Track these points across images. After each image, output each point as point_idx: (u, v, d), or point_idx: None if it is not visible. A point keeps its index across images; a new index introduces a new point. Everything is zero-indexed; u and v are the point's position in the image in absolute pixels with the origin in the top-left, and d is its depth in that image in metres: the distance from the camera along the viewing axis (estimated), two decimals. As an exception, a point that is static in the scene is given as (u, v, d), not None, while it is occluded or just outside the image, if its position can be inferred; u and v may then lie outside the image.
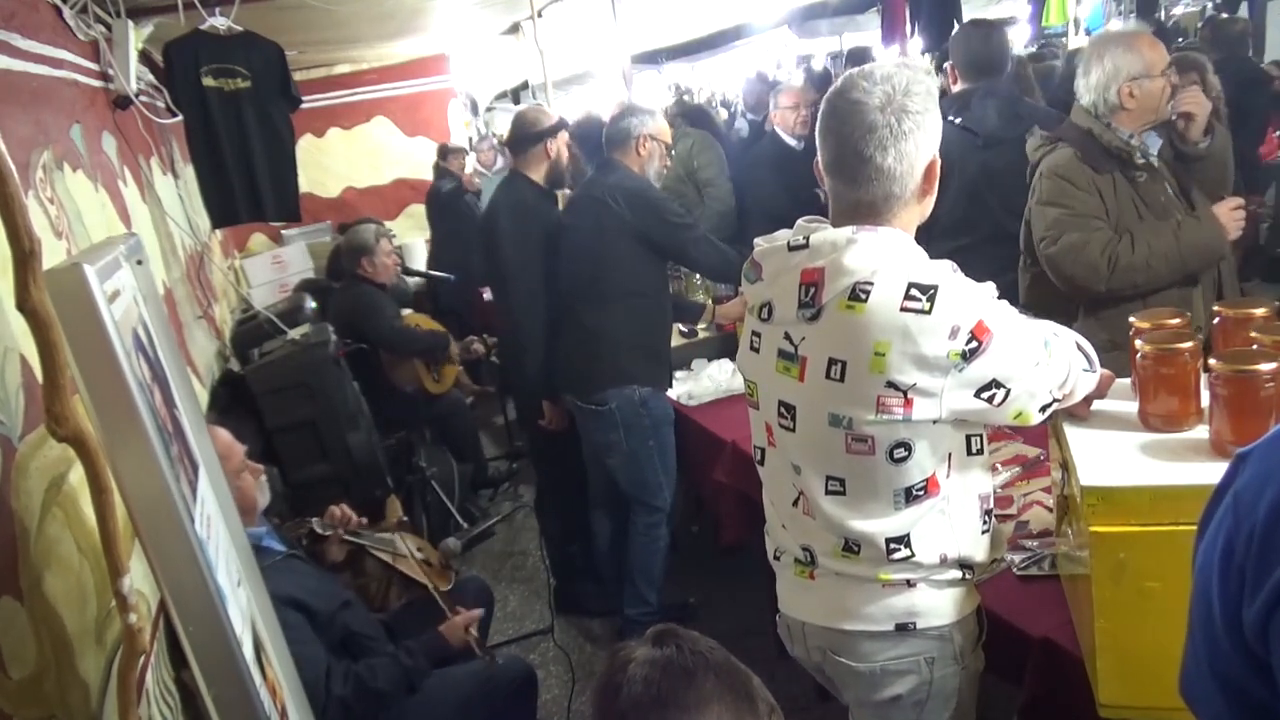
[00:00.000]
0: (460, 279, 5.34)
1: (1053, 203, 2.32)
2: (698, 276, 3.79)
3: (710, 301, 3.59)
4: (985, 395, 1.33)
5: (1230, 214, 2.29)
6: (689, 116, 5.49)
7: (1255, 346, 1.42)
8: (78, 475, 1.53)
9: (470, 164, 6.43)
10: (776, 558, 1.62)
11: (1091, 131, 2.33)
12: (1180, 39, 5.82)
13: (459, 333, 4.70)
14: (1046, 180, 2.35)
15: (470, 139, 7.23)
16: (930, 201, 1.42)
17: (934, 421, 1.34)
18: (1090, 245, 2.25)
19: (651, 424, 2.97)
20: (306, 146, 5.86)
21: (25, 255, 1.12)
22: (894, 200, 1.36)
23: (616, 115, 3.09)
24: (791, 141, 4.34)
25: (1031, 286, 2.48)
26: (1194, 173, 2.40)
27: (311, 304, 4.48)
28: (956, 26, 4.66)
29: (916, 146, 1.33)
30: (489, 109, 9.78)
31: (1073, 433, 1.51)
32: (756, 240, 1.50)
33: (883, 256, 1.33)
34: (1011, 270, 2.51)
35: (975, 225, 2.68)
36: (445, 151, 6.04)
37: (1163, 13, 8.41)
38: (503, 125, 9.62)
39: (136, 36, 2.97)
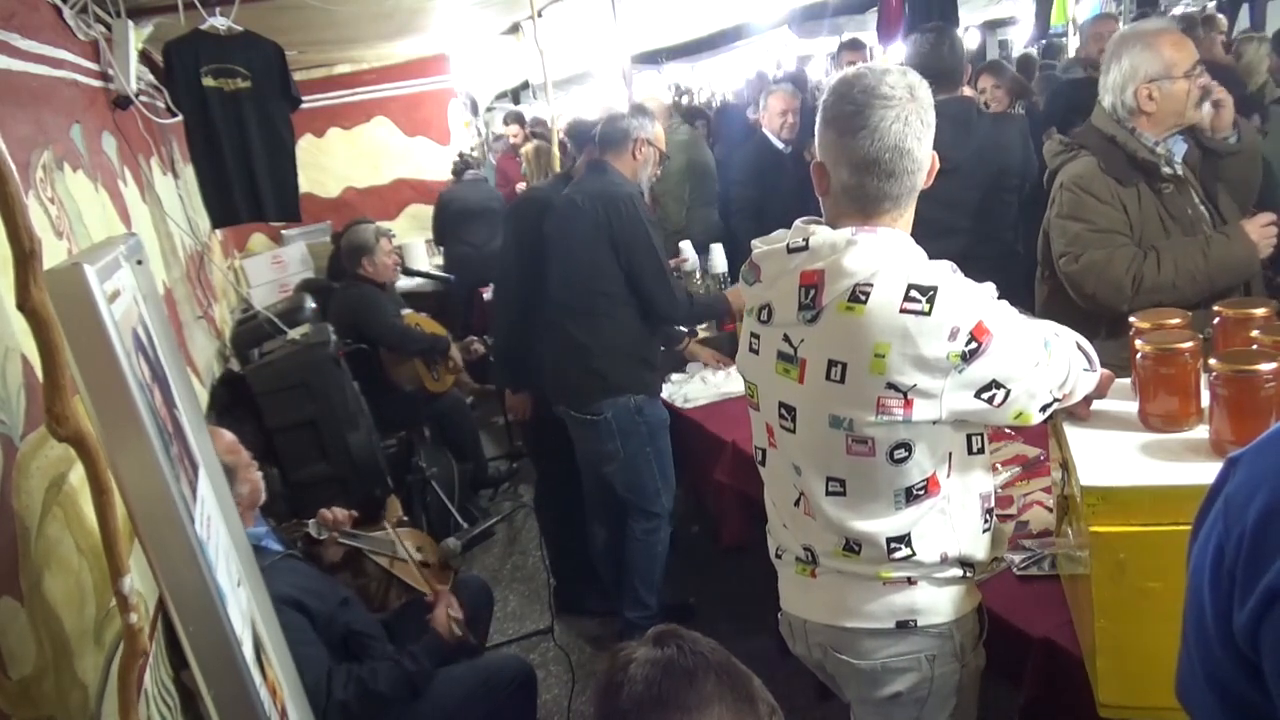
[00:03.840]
0: (459, 279, 5.36)
1: (1074, 217, 2.21)
2: (696, 276, 3.80)
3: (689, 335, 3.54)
4: (985, 396, 1.33)
5: (1261, 230, 2.17)
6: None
7: (1255, 346, 1.42)
8: (78, 475, 1.53)
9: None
10: (778, 556, 1.62)
11: (1115, 139, 2.20)
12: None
13: (460, 334, 4.71)
14: (1067, 192, 2.22)
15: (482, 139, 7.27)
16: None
17: (934, 422, 1.34)
18: (1114, 263, 2.14)
19: (648, 431, 2.95)
20: (306, 146, 5.86)
21: (25, 255, 1.12)
22: (913, 194, 1.40)
23: (615, 114, 3.01)
24: (779, 144, 4.34)
25: (1048, 301, 2.36)
26: (1221, 172, 2.27)
27: (311, 304, 4.48)
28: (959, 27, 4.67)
29: (931, 140, 1.39)
30: (489, 109, 9.79)
31: (1073, 433, 1.51)
32: (754, 242, 1.50)
33: (882, 258, 1.33)
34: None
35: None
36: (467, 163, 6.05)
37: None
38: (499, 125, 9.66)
39: (136, 36, 2.97)
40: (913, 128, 1.35)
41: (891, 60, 4.17)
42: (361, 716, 2.04)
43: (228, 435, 2.20)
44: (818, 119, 1.42)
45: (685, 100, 10.24)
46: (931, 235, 1.46)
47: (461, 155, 6.23)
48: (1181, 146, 2.25)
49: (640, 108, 3.13)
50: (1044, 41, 9.05)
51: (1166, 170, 2.19)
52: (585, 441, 3.05)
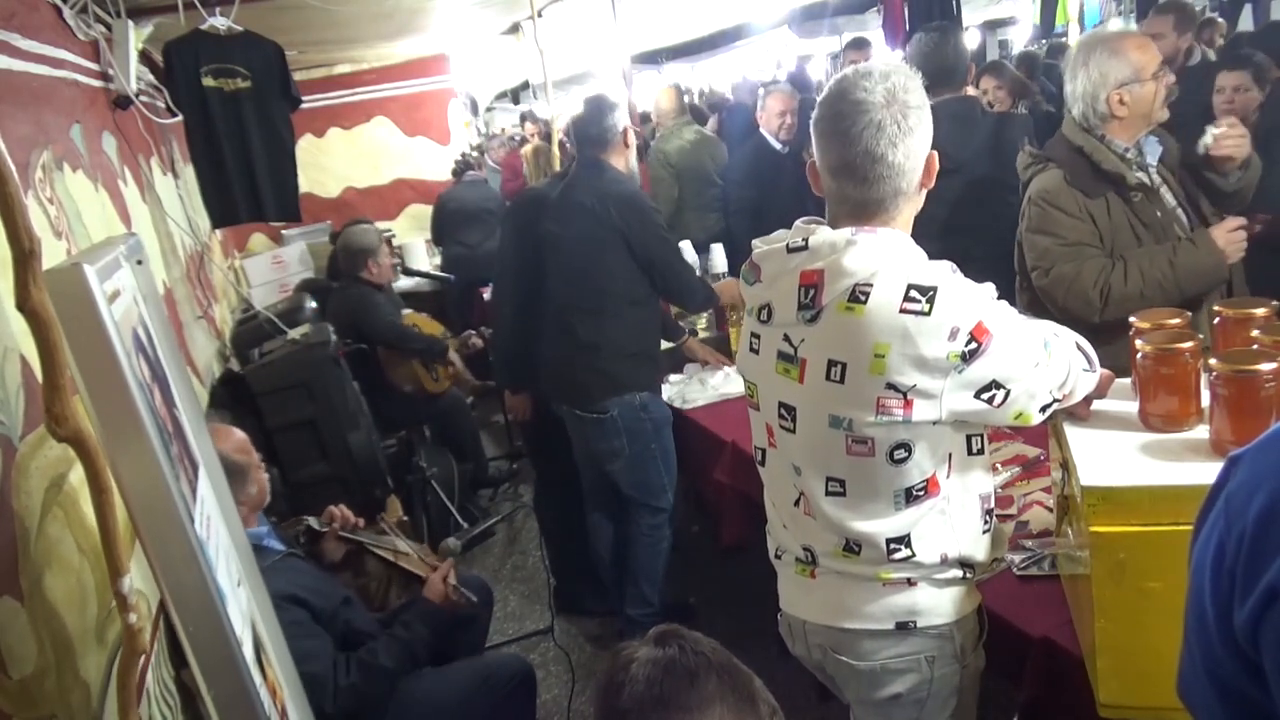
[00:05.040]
0: (459, 279, 5.36)
1: (1042, 231, 2.21)
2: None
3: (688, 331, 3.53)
4: (985, 396, 1.33)
5: (1229, 236, 2.13)
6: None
7: (1255, 346, 1.42)
8: (78, 475, 1.53)
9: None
10: (778, 556, 1.62)
11: (1083, 149, 2.18)
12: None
13: (460, 333, 4.70)
14: (1035, 207, 2.23)
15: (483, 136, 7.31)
16: (924, 193, 1.43)
17: (934, 422, 1.34)
18: (1082, 277, 2.14)
19: (653, 427, 2.95)
20: (306, 146, 5.87)
21: (25, 255, 1.12)
22: (900, 196, 1.38)
23: (595, 114, 2.91)
24: (777, 145, 4.34)
25: (1028, 311, 2.29)
26: (1216, 203, 2.26)
27: (311, 304, 4.48)
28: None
29: (920, 141, 1.36)
30: (489, 109, 9.79)
31: (1073, 433, 1.51)
32: (754, 242, 1.50)
33: (882, 258, 1.33)
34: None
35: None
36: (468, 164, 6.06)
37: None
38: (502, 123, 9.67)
39: (136, 36, 2.97)
40: (887, 133, 1.32)
41: (895, 60, 4.16)
42: (372, 695, 2.07)
43: (239, 434, 2.20)
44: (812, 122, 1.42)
45: (685, 100, 10.23)
46: (932, 235, 1.46)
47: (463, 155, 6.26)
48: (1157, 148, 2.24)
49: (604, 99, 3.00)
50: (1044, 42, 9.05)
51: (1137, 177, 2.18)
52: (588, 440, 3.03)
